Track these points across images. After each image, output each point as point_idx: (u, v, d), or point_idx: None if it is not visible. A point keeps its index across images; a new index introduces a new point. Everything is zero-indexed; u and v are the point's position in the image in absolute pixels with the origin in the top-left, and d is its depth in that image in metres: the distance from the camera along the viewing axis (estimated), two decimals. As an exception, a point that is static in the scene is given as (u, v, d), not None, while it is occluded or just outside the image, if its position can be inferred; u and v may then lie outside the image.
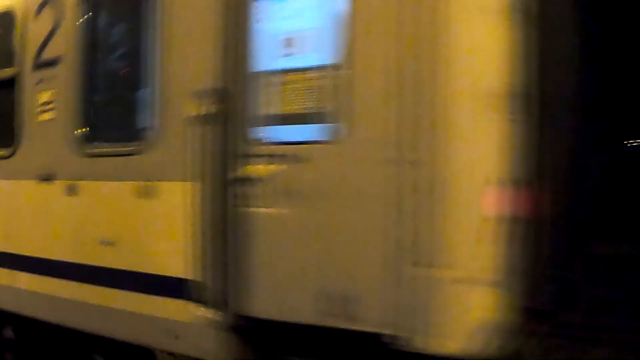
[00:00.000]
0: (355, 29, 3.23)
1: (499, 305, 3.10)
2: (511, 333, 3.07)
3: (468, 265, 3.07)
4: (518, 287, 3.13)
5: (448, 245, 3.05)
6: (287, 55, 3.51)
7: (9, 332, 5.52)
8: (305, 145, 3.40)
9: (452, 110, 3.03)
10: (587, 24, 3.16)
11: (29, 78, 4.87)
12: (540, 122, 3.19)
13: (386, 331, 3.12)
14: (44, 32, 4.73)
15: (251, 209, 3.53)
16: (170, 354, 4.04)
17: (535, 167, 3.18)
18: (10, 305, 5.16)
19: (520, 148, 3.13)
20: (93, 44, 4.43)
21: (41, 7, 4.76)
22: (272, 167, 3.46)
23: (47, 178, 4.55)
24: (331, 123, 3.31)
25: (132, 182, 4.06)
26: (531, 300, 3.21)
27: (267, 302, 3.51)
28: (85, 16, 4.49)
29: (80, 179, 4.37)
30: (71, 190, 4.40)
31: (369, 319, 3.18)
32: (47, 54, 4.69)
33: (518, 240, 3.17)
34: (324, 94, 3.34)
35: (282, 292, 3.46)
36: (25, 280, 4.95)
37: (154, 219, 3.97)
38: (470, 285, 3.06)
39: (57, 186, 4.48)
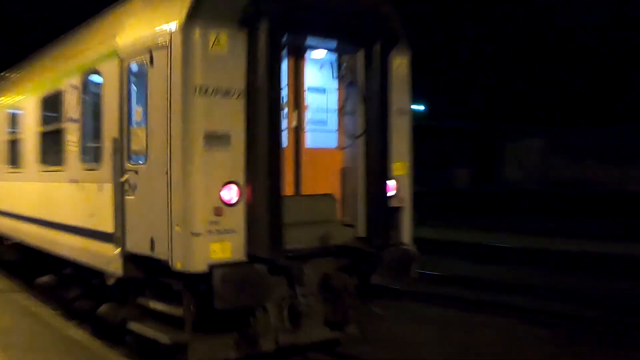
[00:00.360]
0: (151, 110, 6.55)
1: (222, 248, 6.20)
2: (235, 265, 6.15)
3: (205, 227, 6.18)
4: (242, 242, 6.22)
5: (191, 218, 6.18)
6: (136, 119, 6.94)
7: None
8: (138, 165, 6.81)
9: (191, 148, 6.17)
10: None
11: (65, 128, 8.92)
12: (246, 149, 6.21)
13: (165, 258, 6.39)
14: (69, 105, 8.72)
15: (127, 197, 7.03)
16: (104, 273, 7.69)
17: (246, 175, 6.23)
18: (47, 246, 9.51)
19: (235, 166, 6.20)
20: (84, 113, 8.30)
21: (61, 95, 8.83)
22: (129, 176, 6.93)
23: (73, 181, 8.50)
24: (145, 154, 6.67)
25: (95, 183, 7.80)
26: (250, 248, 6.27)
27: (133, 243, 6.98)
28: (80, 101, 8.36)
29: (83, 182, 8.24)
30: (80, 186, 8.31)
31: (161, 252, 6.46)
32: (70, 116, 8.68)
33: (240, 214, 6.24)
34: (143, 140, 6.71)
35: (136, 238, 6.90)
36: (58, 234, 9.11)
37: (102, 202, 7.63)
38: (207, 237, 6.17)
39: (76, 185, 8.43)
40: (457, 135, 45.52)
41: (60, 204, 9.09)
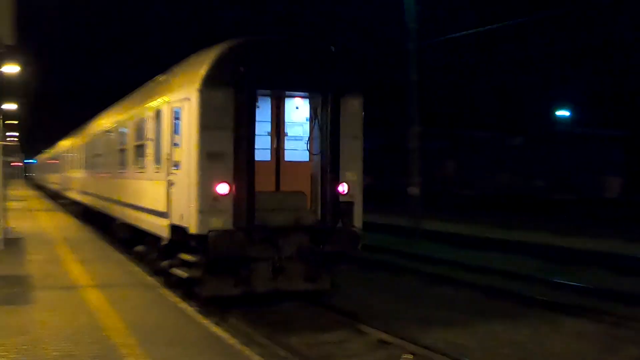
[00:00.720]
0: (181, 138, 10.94)
1: (217, 221, 10.44)
2: (224, 231, 10.37)
3: (207, 208, 10.45)
4: (230, 218, 10.43)
5: (199, 203, 10.49)
6: (175, 142, 11.37)
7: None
8: (176, 170, 11.32)
9: (200, 161, 10.46)
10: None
11: (146, 144, 13.61)
12: (234, 161, 10.40)
13: (187, 225, 10.72)
14: (148, 129, 13.35)
15: (170, 190, 11.48)
16: (161, 238, 12.12)
17: (233, 177, 10.44)
18: (138, 223, 14.35)
19: (227, 171, 10.41)
20: (155, 135, 12.90)
21: (144, 121, 13.42)
22: (172, 177, 11.37)
23: (149, 179, 13.11)
24: (179, 164, 11.08)
25: (158, 181, 12.33)
26: (235, 223, 10.46)
27: (174, 218, 11.38)
28: (154, 127, 12.88)
29: (152, 180, 12.82)
30: (151, 183, 12.90)
31: (185, 222, 10.82)
32: (148, 136, 13.34)
33: (229, 202, 10.46)
34: (178, 156, 11.14)
35: (175, 214, 11.30)
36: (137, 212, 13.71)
37: (161, 193, 12.11)
38: (208, 214, 10.43)
39: (150, 182, 13.04)
40: (605, 142, 45.10)
41: (143, 195, 13.84)
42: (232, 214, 10.49)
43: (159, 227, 12.24)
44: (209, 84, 10.43)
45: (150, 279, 12.72)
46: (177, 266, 11.60)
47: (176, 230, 11.38)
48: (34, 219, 26.65)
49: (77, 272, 13.34)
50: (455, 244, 22.54)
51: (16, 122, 61.43)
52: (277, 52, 10.95)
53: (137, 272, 13.61)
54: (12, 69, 26.73)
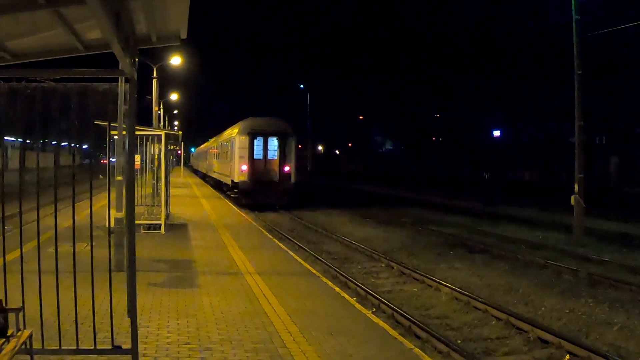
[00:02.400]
0: (234, 152, 34.12)
1: (244, 178, 33.41)
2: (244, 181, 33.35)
3: (238, 174, 33.70)
4: (247, 177, 33.38)
5: (236, 172, 33.77)
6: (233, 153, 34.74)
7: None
8: (230, 160, 34.52)
9: (237, 158, 33.39)
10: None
11: (225, 151, 37.25)
12: (248, 159, 33.43)
13: (232, 179, 33.77)
14: (229, 146, 36.63)
15: (231, 166, 34.81)
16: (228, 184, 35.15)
17: (248, 163, 33.41)
18: (222, 179, 38.41)
19: (246, 161, 33.42)
20: (229, 150, 36.16)
21: (228, 142, 36.75)
22: (231, 163, 34.71)
23: (226, 163, 36.40)
24: (232, 160, 34.40)
25: (226, 164, 35.68)
26: (249, 179, 33.28)
27: (232, 177, 34.52)
28: (230, 146, 35.97)
29: (227, 163, 36.13)
30: (224, 167, 36.23)
31: (232, 178, 33.84)
32: (226, 151, 36.90)
33: (246, 171, 33.48)
34: (231, 157, 34.49)
35: (232, 175, 34.39)
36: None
37: (227, 168, 35.30)
38: (239, 175, 33.46)
39: (226, 164, 36.39)
40: None
41: (224, 169, 37.46)
42: (248, 176, 32.90)
43: (227, 180, 35.21)
44: (239, 133, 33.17)
45: (312, 269, 13.09)
46: (233, 193, 34.38)
47: (232, 181, 34.12)
48: (194, 206, 29.45)
49: (238, 258, 13.60)
50: (621, 243, 20.13)
51: (176, 112, 76.27)
52: (264, 123, 33.47)
53: (297, 260, 14.07)
54: (175, 60, 36.03)
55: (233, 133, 35.03)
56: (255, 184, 32.48)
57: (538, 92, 65.84)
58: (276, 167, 33.13)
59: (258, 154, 33.11)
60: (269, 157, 33.32)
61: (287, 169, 33.15)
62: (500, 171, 57.35)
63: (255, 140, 32.90)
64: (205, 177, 59.19)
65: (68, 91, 5.59)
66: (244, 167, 32.62)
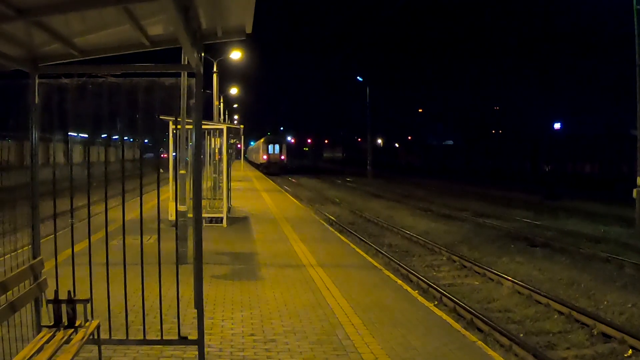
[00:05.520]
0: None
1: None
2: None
3: (264, 157, 65.45)
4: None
5: (263, 157, 66.02)
6: None
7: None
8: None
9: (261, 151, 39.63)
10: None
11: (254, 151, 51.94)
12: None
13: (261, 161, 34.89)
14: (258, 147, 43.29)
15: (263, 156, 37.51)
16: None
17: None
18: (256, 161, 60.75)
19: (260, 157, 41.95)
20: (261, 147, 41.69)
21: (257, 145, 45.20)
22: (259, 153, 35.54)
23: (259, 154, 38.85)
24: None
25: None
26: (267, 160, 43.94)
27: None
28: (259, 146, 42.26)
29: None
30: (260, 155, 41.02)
31: (262, 160, 36.64)
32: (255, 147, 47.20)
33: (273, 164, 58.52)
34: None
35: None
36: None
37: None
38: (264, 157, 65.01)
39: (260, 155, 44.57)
40: None
41: (259, 157, 54.18)
42: (265, 160, 51.39)
43: (258, 161, 44.44)
44: (262, 142, 59.33)
45: (373, 262, 12.85)
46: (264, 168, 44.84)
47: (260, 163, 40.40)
48: (255, 199, 27.93)
49: (300, 250, 13.54)
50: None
51: (237, 105, 79.42)
52: (272, 138, 64.76)
53: (358, 253, 13.91)
54: (235, 55, 30.42)
55: (260, 142, 67.57)
56: (269, 163, 63.39)
57: (599, 84, 63.27)
58: (277, 156, 64.52)
59: (270, 151, 64.05)
60: (275, 152, 64.53)
61: (282, 157, 64.90)
62: (560, 163, 55.80)
63: (269, 145, 64.14)
64: (251, 163, 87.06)
65: (134, 86, 5.67)
66: (265, 157, 63.99)
